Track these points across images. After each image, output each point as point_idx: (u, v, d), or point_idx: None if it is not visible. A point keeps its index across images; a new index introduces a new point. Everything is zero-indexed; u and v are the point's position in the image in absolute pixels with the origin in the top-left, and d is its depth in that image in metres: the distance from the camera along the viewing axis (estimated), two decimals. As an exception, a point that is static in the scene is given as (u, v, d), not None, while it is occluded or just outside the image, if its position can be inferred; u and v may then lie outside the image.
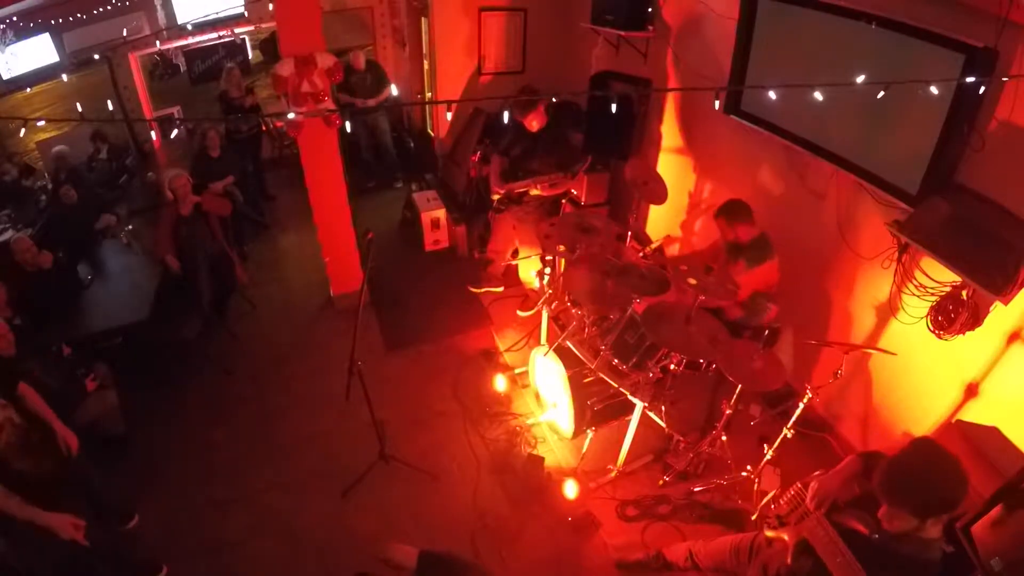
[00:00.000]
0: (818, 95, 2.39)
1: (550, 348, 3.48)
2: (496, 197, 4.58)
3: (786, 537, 2.06)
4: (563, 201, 4.80)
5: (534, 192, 4.36)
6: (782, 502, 2.35)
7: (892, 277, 3.00)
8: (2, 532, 2.50)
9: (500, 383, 3.97)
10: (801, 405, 2.87)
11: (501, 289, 4.98)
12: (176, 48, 8.81)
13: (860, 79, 2.31)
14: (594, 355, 3.22)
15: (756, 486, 3.18)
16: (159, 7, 6.66)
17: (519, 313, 4.70)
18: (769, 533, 2.23)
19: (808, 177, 3.48)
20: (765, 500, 2.95)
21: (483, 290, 4.96)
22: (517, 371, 4.18)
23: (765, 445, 3.16)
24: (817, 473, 2.24)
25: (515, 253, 4.93)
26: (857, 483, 2.07)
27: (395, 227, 5.99)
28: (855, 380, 3.32)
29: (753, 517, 3.08)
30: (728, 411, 3.20)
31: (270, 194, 6.69)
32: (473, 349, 4.43)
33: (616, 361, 3.12)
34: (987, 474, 2.37)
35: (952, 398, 2.84)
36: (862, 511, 1.83)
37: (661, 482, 3.38)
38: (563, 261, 4.00)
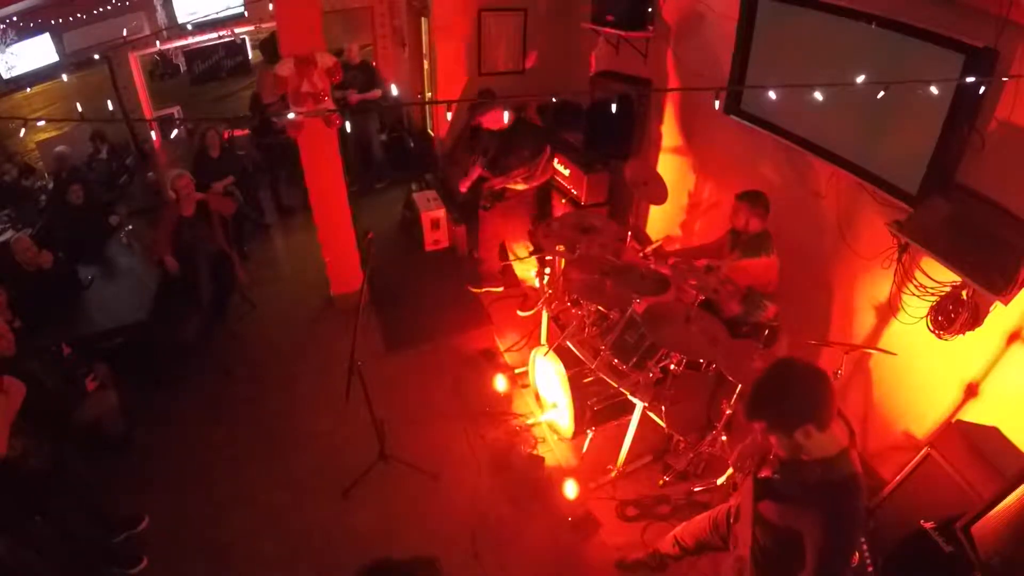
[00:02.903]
0: (818, 95, 2.39)
1: (550, 348, 3.48)
2: (463, 190, 4.60)
3: (736, 503, 2.10)
4: (552, 191, 4.81)
5: (518, 187, 4.39)
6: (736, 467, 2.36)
7: (892, 277, 2.99)
8: (2, 532, 2.51)
9: (500, 383, 3.97)
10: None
11: (501, 289, 4.98)
12: (176, 48, 8.81)
13: (860, 79, 2.31)
14: (594, 355, 3.22)
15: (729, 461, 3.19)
16: (159, 7, 6.66)
17: (519, 313, 4.71)
18: (732, 502, 2.24)
19: (808, 177, 3.48)
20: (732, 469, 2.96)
21: (483, 290, 4.96)
22: (517, 371, 4.18)
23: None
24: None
25: (504, 253, 4.93)
26: None
27: (395, 227, 6.00)
28: (855, 380, 3.32)
29: (718, 482, 3.14)
30: (728, 411, 3.20)
31: (286, 205, 6.37)
32: (473, 349, 4.43)
33: (616, 361, 3.12)
34: (987, 474, 2.37)
35: (952, 398, 2.84)
36: (775, 458, 1.84)
37: (661, 482, 3.38)
38: (563, 261, 4.01)
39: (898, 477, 2.67)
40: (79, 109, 6.82)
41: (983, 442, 2.48)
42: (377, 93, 6.31)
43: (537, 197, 4.81)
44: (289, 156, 6.24)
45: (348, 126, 5.21)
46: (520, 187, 4.43)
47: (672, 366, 3.10)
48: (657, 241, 4.82)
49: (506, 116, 4.48)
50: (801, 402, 1.64)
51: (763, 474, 1.86)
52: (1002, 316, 2.54)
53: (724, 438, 3.31)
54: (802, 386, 1.66)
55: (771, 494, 1.82)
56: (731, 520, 2.22)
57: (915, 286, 2.87)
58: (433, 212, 5.42)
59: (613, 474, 3.39)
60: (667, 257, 3.72)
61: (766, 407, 1.68)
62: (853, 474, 1.67)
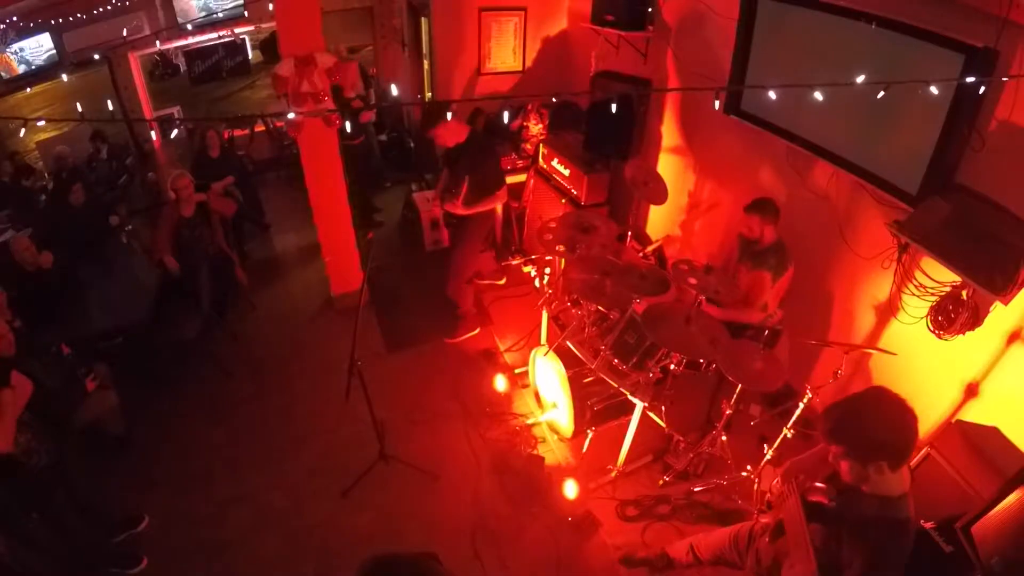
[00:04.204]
0: (818, 95, 2.38)
1: (550, 348, 3.48)
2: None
3: (766, 521, 2.10)
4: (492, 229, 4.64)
5: (458, 211, 4.02)
6: (772, 487, 2.36)
7: (892, 277, 3.00)
8: (2, 532, 2.51)
9: (500, 383, 3.97)
10: (801, 405, 2.87)
11: (503, 281, 5.03)
12: (176, 48, 8.81)
13: (860, 79, 2.31)
14: (594, 355, 3.21)
15: (756, 486, 3.18)
16: (159, 7, 6.65)
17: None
18: (763, 520, 2.24)
19: (808, 177, 3.48)
20: (757, 486, 2.95)
21: (486, 282, 4.98)
22: (517, 371, 4.18)
23: (765, 445, 3.16)
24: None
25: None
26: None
27: (395, 227, 5.99)
28: (855, 380, 3.31)
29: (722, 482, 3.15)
30: (728, 411, 3.20)
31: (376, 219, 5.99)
32: (473, 349, 4.43)
33: (616, 361, 3.12)
34: (987, 474, 2.37)
35: (952, 398, 2.84)
36: (830, 484, 1.84)
37: (661, 482, 3.38)
38: (563, 261, 4.00)
39: (898, 477, 2.67)
40: (79, 109, 6.82)
41: (983, 442, 2.48)
42: (370, 91, 6.43)
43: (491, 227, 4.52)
44: (369, 163, 5.97)
45: (348, 127, 5.18)
46: (460, 212, 4.01)
47: (672, 366, 3.10)
48: (657, 241, 4.82)
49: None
50: (887, 438, 1.62)
51: (816, 499, 1.85)
52: (1002, 316, 2.54)
53: (724, 438, 3.31)
54: (895, 423, 1.64)
55: (820, 518, 1.81)
56: (754, 537, 2.22)
57: (915, 286, 2.87)
58: (433, 212, 5.43)
59: (613, 474, 3.39)
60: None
61: (853, 434, 1.66)
62: (908, 519, 1.68)
